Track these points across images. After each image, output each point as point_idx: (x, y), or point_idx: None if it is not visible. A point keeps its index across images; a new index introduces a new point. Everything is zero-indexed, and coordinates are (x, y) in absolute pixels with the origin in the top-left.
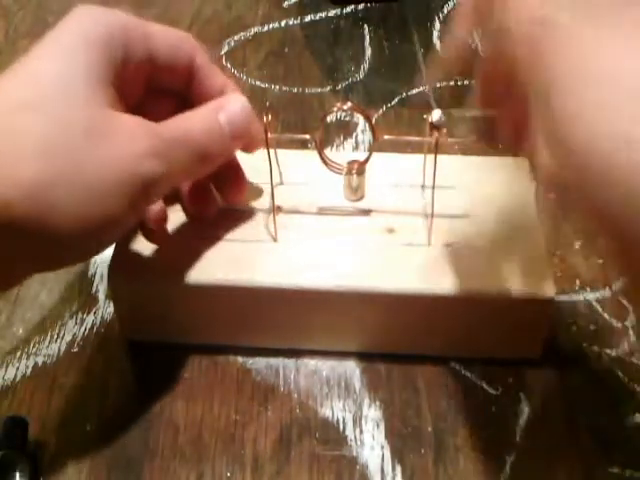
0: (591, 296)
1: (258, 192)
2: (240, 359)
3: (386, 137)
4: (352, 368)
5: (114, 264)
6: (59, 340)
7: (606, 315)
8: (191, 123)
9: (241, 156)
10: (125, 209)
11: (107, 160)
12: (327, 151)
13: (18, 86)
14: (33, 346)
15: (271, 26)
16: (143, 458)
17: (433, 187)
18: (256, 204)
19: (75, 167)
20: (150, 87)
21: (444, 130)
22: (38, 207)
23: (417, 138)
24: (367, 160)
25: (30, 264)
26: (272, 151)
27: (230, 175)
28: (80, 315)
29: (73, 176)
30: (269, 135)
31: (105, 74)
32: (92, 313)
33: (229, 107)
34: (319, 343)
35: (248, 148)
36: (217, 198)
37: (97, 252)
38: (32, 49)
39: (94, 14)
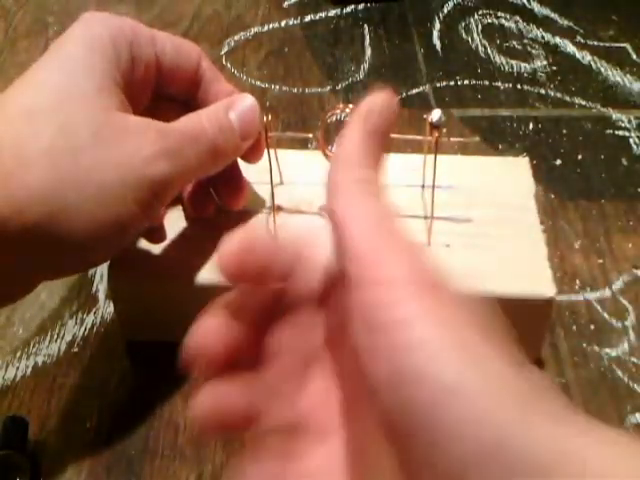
0: (591, 296)
1: (258, 192)
2: None
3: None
4: None
5: (114, 264)
6: (59, 340)
7: (606, 315)
8: (201, 120)
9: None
10: (136, 211)
11: (116, 162)
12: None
13: (26, 93)
14: (33, 346)
15: (271, 26)
16: (143, 458)
17: (433, 187)
18: (256, 204)
19: (84, 170)
20: (157, 94)
21: (444, 130)
22: (50, 212)
23: (418, 137)
24: None
25: (43, 271)
26: (272, 151)
27: (231, 181)
28: (80, 315)
29: (83, 179)
30: (270, 133)
31: (113, 78)
32: (92, 313)
33: (239, 105)
34: None
35: (251, 157)
36: (216, 200)
37: (110, 256)
38: (42, 56)
39: (101, 20)
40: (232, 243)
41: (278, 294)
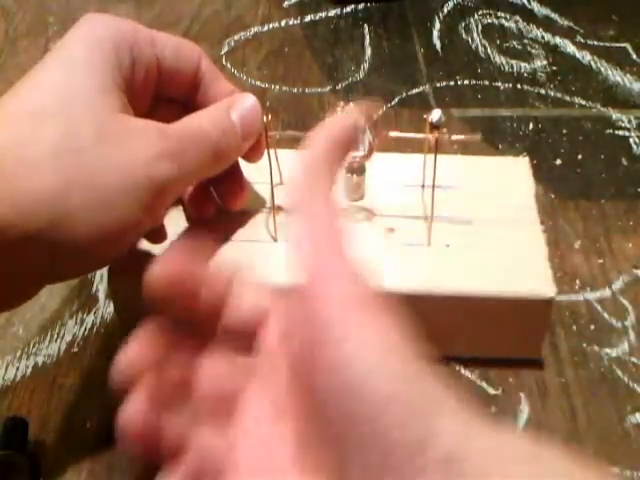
0: (591, 296)
1: (258, 192)
2: None
3: (392, 134)
4: None
5: (114, 264)
6: (59, 340)
7: (606, 315)
8: (203, 121)
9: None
10: (140, 213)
11: (120, 165)
12: None
13: (29, 95)
14: (33, 346)
15: (271, 26)
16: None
17: (433, 187)
18: (256, 204)
19: (88, 173)
20: (157, 97)
21: (444, 130)
22: (53, 217)
23: (420, 135)
24: (369, 154)
25: (45, 277)
26: (272, 151)
27: (232, 181)
28: (80, 315)
29: (86, 182)
30: (270, 133)
31: (114, 80)
32: (92, 313)
33: (240, 105)
34: None
35: (251, 156)
36: (217, 200)
37: (112, 259)
38: (43, 58)
39: (103, 22)
40: (161, 266)
41: (212, 321)
